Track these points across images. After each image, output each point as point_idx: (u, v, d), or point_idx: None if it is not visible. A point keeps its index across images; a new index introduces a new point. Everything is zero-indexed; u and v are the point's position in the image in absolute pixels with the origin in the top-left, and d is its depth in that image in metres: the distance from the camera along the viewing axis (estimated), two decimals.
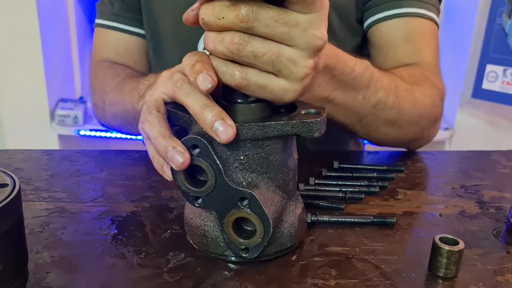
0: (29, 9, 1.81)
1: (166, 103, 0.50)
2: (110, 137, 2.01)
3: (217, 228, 0.50)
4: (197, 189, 0.48)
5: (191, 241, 0.53)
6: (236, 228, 0.49)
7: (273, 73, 0.46)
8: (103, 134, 1.98)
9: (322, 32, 0.46)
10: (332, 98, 0.64)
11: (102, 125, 0.95)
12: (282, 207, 0.50)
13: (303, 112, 0.49)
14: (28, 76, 1.90)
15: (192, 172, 0.48)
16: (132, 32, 0.94)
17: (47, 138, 1.97)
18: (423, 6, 0.84)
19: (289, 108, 0.51)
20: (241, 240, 0.48)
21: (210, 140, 0.46)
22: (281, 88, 0.47)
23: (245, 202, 0.47)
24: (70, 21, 2.02)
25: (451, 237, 0.50)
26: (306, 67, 0.47)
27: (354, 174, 0.72)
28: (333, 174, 0.72)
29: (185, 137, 0.47)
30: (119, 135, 2.02)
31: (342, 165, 0.74)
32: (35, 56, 1.88)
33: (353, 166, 0.74)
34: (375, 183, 0.68)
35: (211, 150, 0.46)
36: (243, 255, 0.49)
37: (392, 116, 0.72)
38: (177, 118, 0.49)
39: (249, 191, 0.46)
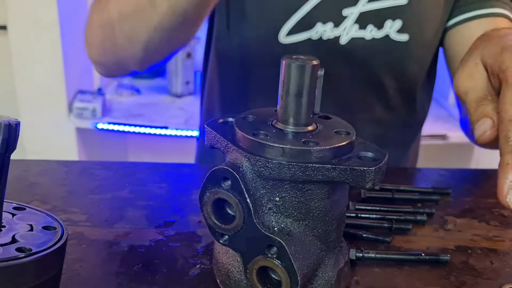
0: None
1: (207, 122, 0.45)
2: (128, 132, 1.96)
3: (241, 270, 0.43)
4: (224, 226, 0.42)
5: (216, 278, 0.47)
6: (262, 274, 0.42)
7: None
8: (121, 128, 1.93)
9: None
10: None
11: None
12: (318, 261, 0.42)
13: (357, 155, 0.41)
14: (46, 67, 1.85)
15: (221, 204, 0.43)
16: None
17: (64, 131, 1.92)
18: (503, 6, 0.81)
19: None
20: None
21: (244, 174, 0.40)
22: None
23: (273, 251, 0.40)
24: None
25: None
26: None
27: (395, 196, 0.66)
28: (373, 194, 0.66)
29: (216, 167, 0.41)
30: (137, 129, 1.97)
31: (383, 187, 0.68)
32: (53, 46, 1.83)
33: (394, 188, 0.68)
34: (421, 210, 0.62)
35: (242, 186, 0.40)
36: None
37: None
38: (215, 140, 0.44)
39: (279, 239, 0.40)
